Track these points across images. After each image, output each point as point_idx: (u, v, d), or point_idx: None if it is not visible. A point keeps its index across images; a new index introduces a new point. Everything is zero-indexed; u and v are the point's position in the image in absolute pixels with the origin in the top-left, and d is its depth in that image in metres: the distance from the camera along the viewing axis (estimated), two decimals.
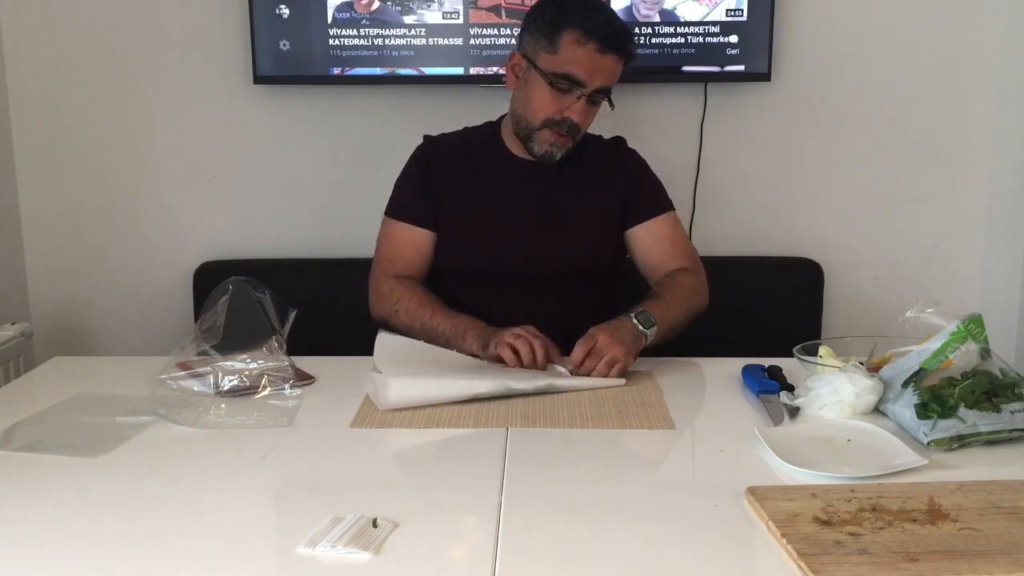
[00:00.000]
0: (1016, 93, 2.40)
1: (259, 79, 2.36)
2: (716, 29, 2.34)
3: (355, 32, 2.33)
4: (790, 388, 1.48)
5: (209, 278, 2.34)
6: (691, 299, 1.77)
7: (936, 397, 1.31)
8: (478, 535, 1.05)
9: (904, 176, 2.49)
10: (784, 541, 1.00)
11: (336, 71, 2.36)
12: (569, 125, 1.75)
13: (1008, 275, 2.46)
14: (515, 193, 1.85)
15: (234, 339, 1.49)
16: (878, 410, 1.40)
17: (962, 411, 1.28)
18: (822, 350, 1.53)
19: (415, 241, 1.84)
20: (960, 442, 1.27)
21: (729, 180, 2.48)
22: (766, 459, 1.24)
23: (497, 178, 1.86)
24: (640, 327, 1.62)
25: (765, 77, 2.37)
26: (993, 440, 1.29)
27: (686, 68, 2.37)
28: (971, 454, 1.27)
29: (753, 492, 1.11)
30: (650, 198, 1.89)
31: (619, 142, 1.94)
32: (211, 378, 1.48)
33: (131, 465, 1.26)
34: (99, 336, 2.55)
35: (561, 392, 1.52)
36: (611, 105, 1.78)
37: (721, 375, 1.62)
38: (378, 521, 1.05)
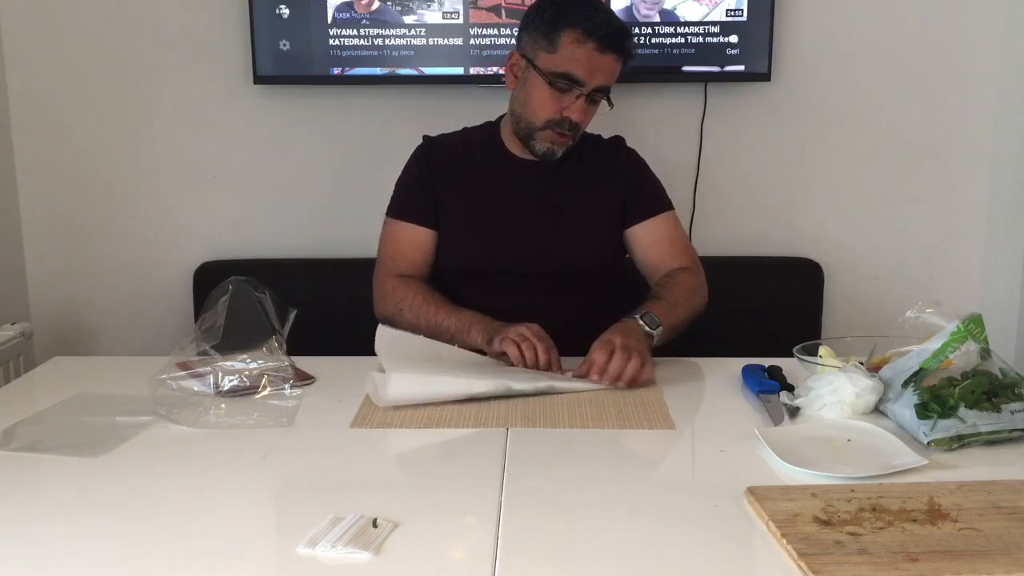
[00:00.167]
0: (1016, 93, 2.40)
1: (259, 79, 2.36)
2: (716, 29, 2.34)
3: (355, 32, 2.33)
4: (790, 388, 1.48)
5: (209, 278, 2.34)
6: (692, 299, 1.77)
7: (936, 397, 1.31)
8: (478, 535, 1.05)
9: (904, 176, 2.49)
10: (784, 541, 1.00)
11: (336, 71, 2.36)
12: (569, 124, 1.75)
13: (1008, 275, 2.46)
14: (515, 193, 1.85)
15: (234, 339, 1.49)
16: (878, 410, 1.40)
17: (962, 411, 1.28)
18: (822, 350, 1.53)
19: (417, 240, 1.84)
20: (960, 442, 1.27)
21: (729, 180, 2.48)
22: (766, 459, 1.24)
23: (497, 178, 1.86)
24: (647, 328, 1.62)
25: (765, 77, 2.37)
26: (993, 440, 1.29)
27: (686, 68, 2.37)
28: (971, 454, 1.27)
29: (753, 492, 1.11)
30: (649, 198, 1.89)
31: (618, 141, 1.94)
32: (211, 378, 1.48)
33: (131, 465, 1.26)
34: (99, 336, 2.55)
35: (561, 393, 1.52)
36: (610, 104, 1.78)
37: (721, 375, 1.62)
38: (378, 521, 1.05)
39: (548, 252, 1.84)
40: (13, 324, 2.24)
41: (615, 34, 1.72)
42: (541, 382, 1.52)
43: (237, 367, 1.50)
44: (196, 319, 1.54)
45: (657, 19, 2.34)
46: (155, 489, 1.19)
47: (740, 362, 1.61)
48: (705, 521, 1.09)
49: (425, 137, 1.93)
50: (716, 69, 2.36)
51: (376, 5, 2.32)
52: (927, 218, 2.51)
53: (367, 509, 1.07)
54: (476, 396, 1.47)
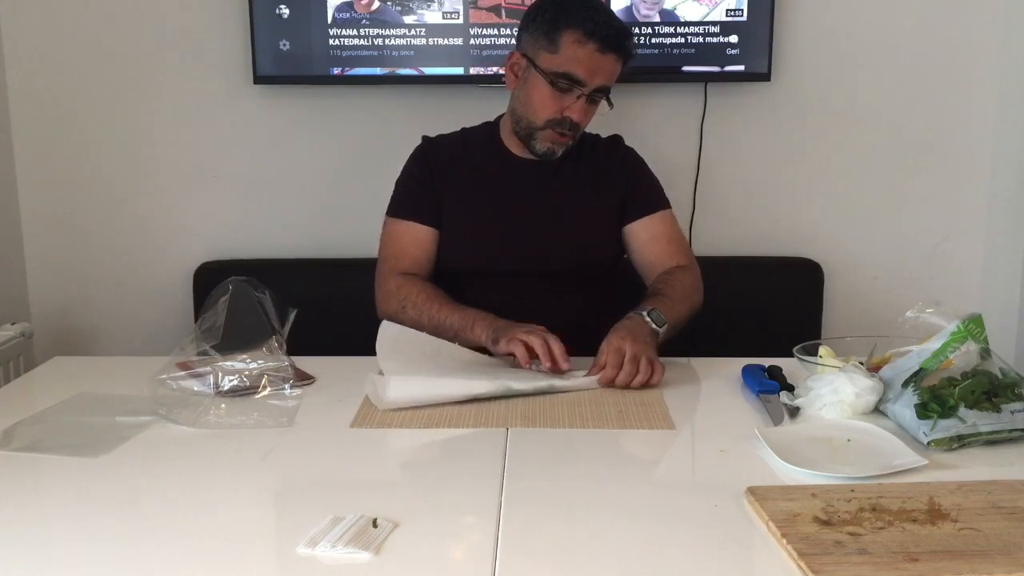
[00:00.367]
0: (1016, 93, 2.40)
1: (259, 79, 2.36)
2: (716, 29, 2.34)
3: (355, 32, 2.33)
4: (790, 388, 1.48)
5: (209, 278, 2.34)
6: (692, 297, 1.78)
7: (936, 397, 1.31)
8: (478, 535, 1.05)
9: (904, 176, 2.49)
10: (784, 541, 1.00)
11: (336, 71, 2.36)
12: (570, 124, 1.75)
13: (1008, 275, 2.46)
14: (515, 192, 1.85)
15: (234, 339, 1.49)
16: (878, 410, 1.40)
17: (962, 411, 1.28)
18: (822, 350, 1.53)
19: (419, 238, 1.84)
20: (960, 442, 1.27)
21: (729, 180, 2.48)
22: (766, 459, 1.24)
23: (496, 178, 1.86)
24: (653, 325, 1.62)
25: (765, 77, 2.37)
26: (993, 440, 1.29)
27: (686, 68, 2.37)
28: (971, 454, 1.27)
29: (753, 492, 1.11)
30: (647, 195, 1.89)
31: (616, 140, 1.94)
32: (211, 378, 1.48)
33: (131, 465, 1.26)
34: (99, 336, 2.55)
35: (561, 392, 1.52)
36: (610, 104, 1.79)
37: (721, 375, 1.62)
38: (378, 521, 1.05)
39: (548, 252, 1.84)
40: (13, 324, 2.24)
41: (616, 34, 1.72)
42: (541, 381, 1.52)
43: (237, 367, 1.50)
44: (196, 319, 1.55)
45: (657, 19, 2.34)
46: (155, 489, 1.19)
47: (740, 362, 1.61)
48: (705, 521, 1.09)
49: (424, 137, 1.93)
50: (716, 69, 2.36)
51: (376, 5, 2.32)
52: (927, 218, 2.51)
53: (367, 509, 1.07)
54: (476, 397, 1.47)
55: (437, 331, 1.70)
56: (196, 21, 2.39)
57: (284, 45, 2.33)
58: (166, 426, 1.38)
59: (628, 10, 2.33)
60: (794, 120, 2.46)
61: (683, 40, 2.35)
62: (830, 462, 1.21)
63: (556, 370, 1.55)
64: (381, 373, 1.51)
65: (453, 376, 1.51)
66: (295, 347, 1.56)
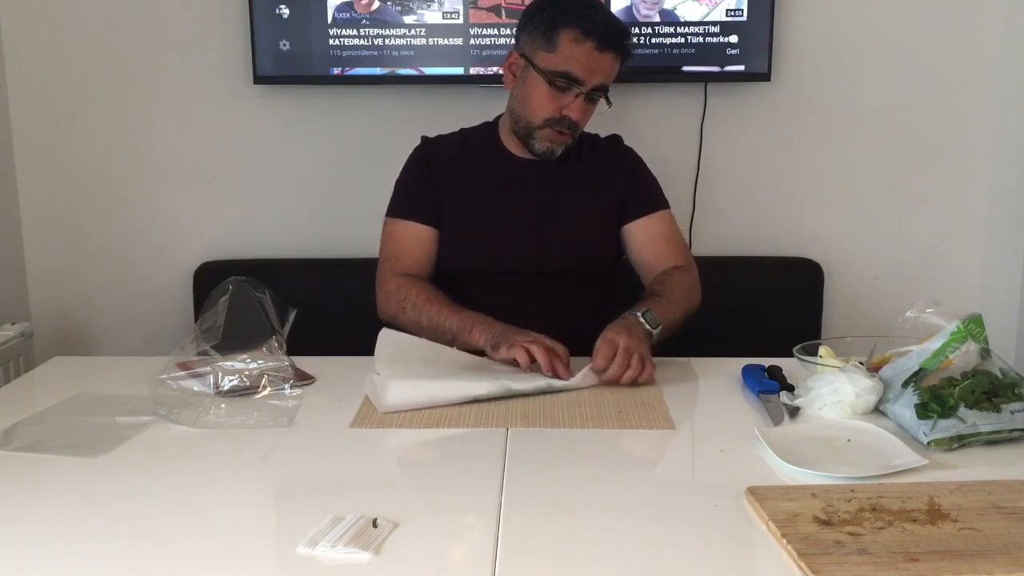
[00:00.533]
0: (1016, 93, 2.40)
1: (259, 79, 2.36)
2: (716, 29, 2.34)
3: (355, 32, 2.33)
4: (790, 388, 1.48)
5: (209, 278, 2.34)
6: (689, 298, 1.78)
7: (936, 397, 1.31)
8: (478, 535, 1.05)
9: (904, 176, 2.49)
10: (784, 541, 1.00)
11: (336, 71, 2.36)
12: (568, 123, 1.75)
13: (1008, 275, 2.46)
14: (514, 192, 1.85)
15: (234, 339, 1.49)
16: (878, 410, 1.40)
17: (962, 411, 1.28)
18: (822, 350, 1.53)
19: (419, 238, 1.84)
20: (960, 442, 1.27)
21: (729, 180, 2.48)
22: (766, 459, 1.24)
23: (496, 178, 1.87)
24: (647, 326, 1.62)
25: (765, 77, 2.37)
26: (993, 440, 1.29)
27: (686, 68, 2.37)
28: (971, 454, 1.27)
29: (753, 492, 1.11)
30: (646, 195, 1.89)
31: (615, 140, 1.94)
32: (211, 378, 1.48)
33: (131, 465, 1.26)
34: (99, 336, 2.55)
35: (561, 392, 1.52)
36: (608, 103, 1.79)
37: (721, 375, 1.62)
38: (378, 521, 1.05)
39: (547, 251, 1.84)
40: (13, 324, 2.24)
41: (614, 33, 1.72)
42: (540, 381, 1.52)
43: (237, 367, 1.50)
44: (196, 319, 1.54)
45: (657, 19, 2.34)
46: (155, 489, 1.19)
47: (740, 362, 1.61)
48: (705, 521, 1.09)
49: (423, 138, 1.93)
50: (716, 69, 2.36)
51: (376, 5, 2.32)
52: (927, 218, 2.51)
53: (367, 509, 1.07)
54: (476, 398, 1.47)
55: (436, 333, 1.70)
56: (196, 21, 2.39)
57: (284, 45, 2.33)
58: (166, 426, 1.38)
59: (628, 10, 2.33)
60: (794, 120, 2.46)
61: (683, 40, 2.35)
62: (830, 462, 1.21)
63: (557, 377, 1.55)
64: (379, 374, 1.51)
65: (452, 379, 1.51)
66: (295, 347, 1.56)
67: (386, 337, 1.63)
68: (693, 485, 1.25)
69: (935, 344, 1.37)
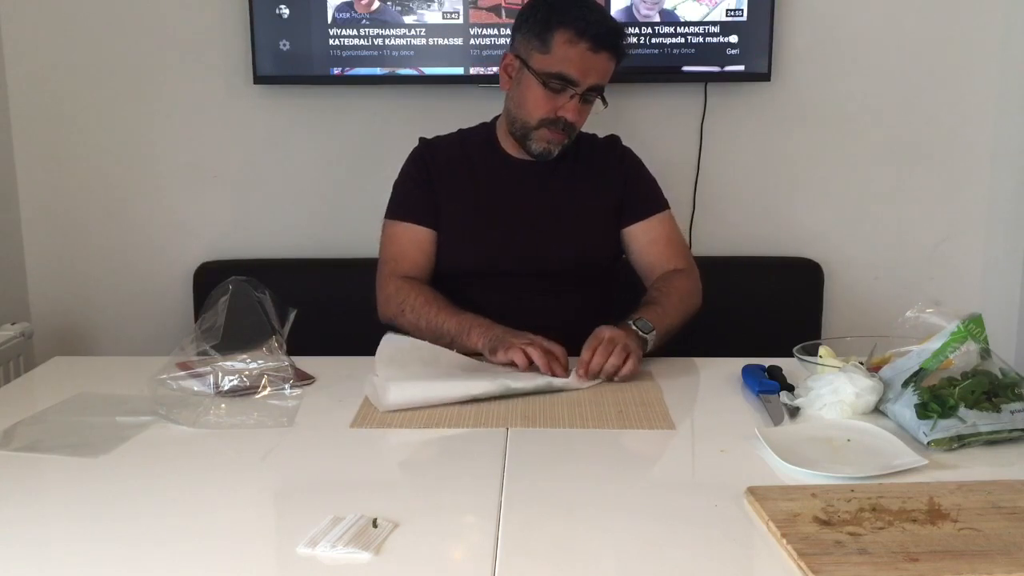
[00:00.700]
0: (1016, 93, 2.40)
1: (259, 79, 2.36)
2: (716, 29, 2.34)
3: (355, 32, 2.33)
4: (790, 388, 1.48)
5: (209, 278, 2.34)
6: (687, 302, 1.78)
7: (936, 397, 1.31)
8: (478, 535, 1.05)
9: (904, 176, 2.49)
10: (784, 541, 1.00)
11: (336, 71, 2.36)
12: (564, 123, 1.75)
13: (1008, 275, 2.46)
14: (512, 193, 1.85)
15: (234, 339, 1.49)
16: (878, 410, 1.40)
17: (962, 411, 1.28)
18: (822, 350, 1.53)
19: (418, 240, 1.84)
20: (960, 442, 1.27)
21: (729, 180, 2.48)
22: (766, 459, 1.24)
23: (494, 178, 1.86)
24: (640, 333, 1.62)
25: (765, 77, 2.37)
26: (993, 440, 1.29)
27: (686, 68, 2.37)
28: (971, 454, 1.27)
29: (753, 492, 1.11)
30: (647, 197, 1.89)
31: (613, 140, 1.94)
32: (211, 378, 1.48)
33: (131, 465, 1.26)
34: (99, 336, 2.55)
35: (560, 391, 1.52)
36: (604, 103, 1.78)
37: (721, 375, 1.62)
38: (378, 521, 1.05)
39: (546, 252, 1.84)
40: (13, 324, 2.24)
41: (608, 33, 1.72)
42: (540, 380, 1.52)
43: (237, 367, 1.50)
44: (196, 319, 1.55)
45: (657, 19, 2.34)
46: (155, 489, 1.19)
47: (740, 362, 1.61)
48: (705, 521, 1.09)
49: (421, 139, 1.93)
50: (716, 69, 2.36)
51: (376, 5, 2.32)
52: (927, 218, 2.51)
53: (367, 509, 1.07)
54: (475, 397, 1.47)
55: (435, 335, 1.70)
56: (196, 21, 2.39)
57: (284, 45, 2.33)
58: (166, 426, 1.38)
59: (628, 10, 2.33)
60: (794, 120, 2.46)
61: (683, 40, 2.35)
62: (830, 462, 1.21)
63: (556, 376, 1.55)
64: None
65: (451, 379, 1.52)
66: (295, 347, 1.56)
67: (388, 340, 1.63)
68: (693, 485, 1.25)
69: (935, 344, 1.37)
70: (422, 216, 1.84)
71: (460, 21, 2.32)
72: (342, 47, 2.34)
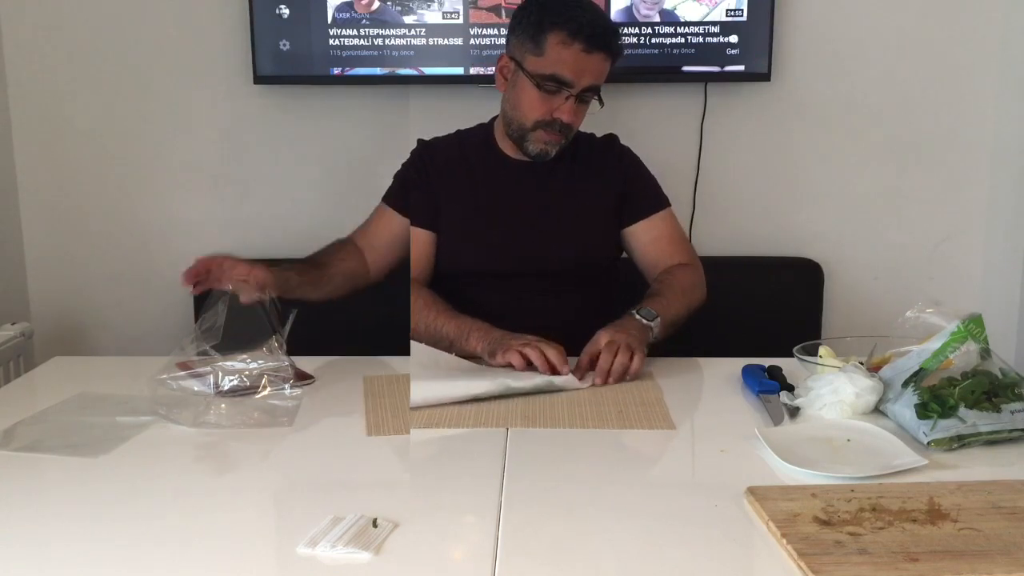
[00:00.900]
0: (1016, 93, 2.40)
1: (259, 79, 2.36)
2: (716, 29, 2.34)
3: (355, 32, 2.33)
4: (790, 388, 1.48)
5: None
6: (690, 294, 1.77)
7: (936, 397, 1.31)
8: (478, 535, 1.05)
9: (904, 176, 2.49)
10: (784, 541, 1.00)
11: (336, 71, 2.36)
12: (560, 125, 1.75)
13: (1008, 275, 2.46)
14: (511, 193, 1.85)
15: (234, 339, 1.50)
16: (878, 410, 1.40)
17: (962, 411, 1.28)
18: (822, 350, 1.53)
19: (418, 243, 1.84)
20: (960, 442, 1.27)
21: (729, 180, 2.48)
22: (766, 459, 1.24)
23: (492, 179, 1.86)
24: (644, 320, 1.62)
25: (765, 77, 2.37)
26: (993, 440, 1.29)
27: (686, 68, 2.36)
28: (971, 454, 1.27)
29: (753, 492, 1.11)
30: (647, 196, 1.89)
31: (611, 140, 1.94)
32: (211, 378, 1.49)
33: (131, 465, 1.26)
34: (99, 336, 2.55)
35: (560, 391, 1.52)
36: (600, 103, 1.78)
37: (721, 375, 1.62)
38: (378, 521, 1.05)
39: (545, 252, 1.84)
40: (13, 324, 2.24)
41: (601, 33, 1.71)
42: (540, 379, 1.52)
43: (237, 367, 1.50)
44: (196, 319, 1.55)
45: (657, 19, 2.34)
46: (155, 489, 1.19)
47: (740, 362, 1.61)
48: (705, 521, 1.09)
49: (419, 141, 1.93)
50: (716, 69, 2.36)
51: (376, 5, 2.32)
52: (927, 218, 2.51)
53: (367, 509, 1.07)
54: (476, 397, 1.47)
55: (434, 339, 1.70)
56: (196, 21, 2.39)
57: (284, 45, 2.33)
58: (166, 426, 1.38)
59: (628, 10, 2.33)
60: (794, 120, 2.46)
61: (683, 40, 2.35)
62: (830, 462, 1.21)
63: (555, 375, 1.55)
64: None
65: (452, 379, 1.52)
66: (295, 347, 1.56)
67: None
68: (693, 485, 1.25)
69: (935, 344, 1.37)
70: (422, 219, 1.84)
71: (460, 21, 2.32)
72: (342, 47, 2.34)
